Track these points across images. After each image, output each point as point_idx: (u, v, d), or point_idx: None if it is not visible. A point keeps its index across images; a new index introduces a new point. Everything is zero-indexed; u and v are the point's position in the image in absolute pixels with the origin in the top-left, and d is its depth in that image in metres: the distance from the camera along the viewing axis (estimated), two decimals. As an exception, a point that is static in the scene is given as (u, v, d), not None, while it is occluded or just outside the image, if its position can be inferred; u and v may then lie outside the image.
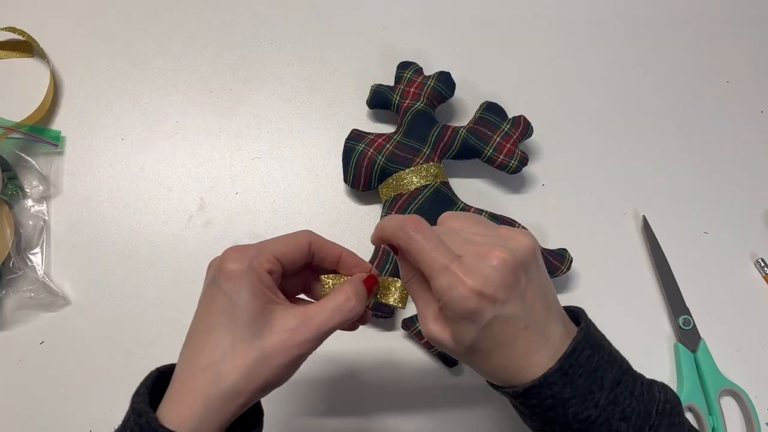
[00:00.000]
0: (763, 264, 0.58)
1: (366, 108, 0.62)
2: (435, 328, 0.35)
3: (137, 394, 0.34)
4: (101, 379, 0.53)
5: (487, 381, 0.37)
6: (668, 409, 0.35)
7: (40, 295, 0.54)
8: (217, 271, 0.34)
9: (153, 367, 0.53)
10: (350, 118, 0.62)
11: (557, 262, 0.53)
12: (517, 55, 0.66)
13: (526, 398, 0.34)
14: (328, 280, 0.38)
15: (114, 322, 0.54)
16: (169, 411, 0.32)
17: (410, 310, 0.54)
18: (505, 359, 0.34)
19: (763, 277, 0.58)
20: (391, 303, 0.39)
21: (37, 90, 0.61)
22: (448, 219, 0.37)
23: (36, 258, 0.56)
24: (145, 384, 0.35)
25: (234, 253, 0.34)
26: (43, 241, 0.56)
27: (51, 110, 0.61)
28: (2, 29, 0.62)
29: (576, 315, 0.37)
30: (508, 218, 0.54)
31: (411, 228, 0.34)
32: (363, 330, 0.54)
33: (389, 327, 0.55)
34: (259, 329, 0.33)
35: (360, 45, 0.65)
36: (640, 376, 0.36)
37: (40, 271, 0.55)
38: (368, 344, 0.54)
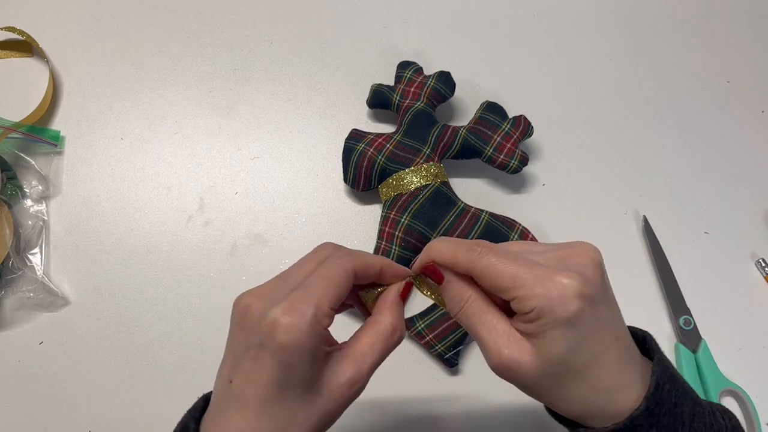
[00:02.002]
0: (763, 264, 0.58)
1: (366, 108, 0.62)
2: (510, 352, 0.31)
3: (187, 418, 0.32)
4: (101, 379, 0.53)
5: (550, 413, 0.34)
6: None
7: (40, 295, 0.54)
8: (269, 328, 0.29)
9: (153, 367, 0.53)
10: (350, 118, 0.62)
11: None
12: (517, 55, 0.66)
13: None
14: (368, 296, 0.36)
15: (114, 322, 0.54)
16: None
17: (410, 310, 0.54)
18: (599, 380, 0.30)
19: (764, 277, 0.58)
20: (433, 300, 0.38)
21: (36, 90, 0.61)
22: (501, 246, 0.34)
23: (35, 258, 0.55)
24: (200, 403, 0.33)
25: (289, 314, 0.29)
26: (42, 241, 0.56)
27: (50, 110, 0.61)
28: (2, 29, 0.62)
29: (641, 339, 0.33)
30: (509, 218, 0.54)
31: (481, 246, 0.32)
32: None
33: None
34: (315, 395, 0.31)
35: (360, 45, 0.65)
36: (703, 403, 0.33)
37: (39, 271, 0.55)
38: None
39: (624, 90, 0.65)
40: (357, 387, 0.32)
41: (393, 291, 0.35)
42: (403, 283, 0.35)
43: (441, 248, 0.33)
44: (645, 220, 0.59)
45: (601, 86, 0.65)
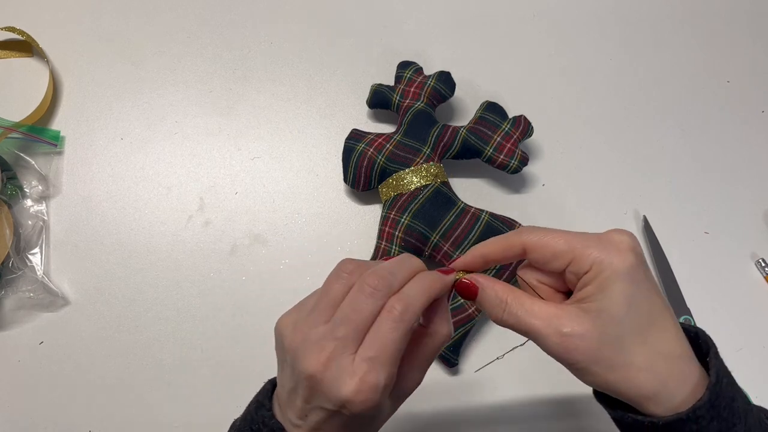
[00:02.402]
0: (763, 264, 0.58)
1: (366, 108, 0.62)
2: (570, 327, 0.31)
3: (261, 395, 0.34)
4: (101, 379, 0.53)
5: (601, 402, 0.34)
6: None
7: (40, 295, 0.54)
8: (337, 405, 0.29)
9: (153, 367, 0.53)
10: (350, 118, 0.62)
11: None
12: (517, 55, 0.66)
13: (666, 430, 0.30)
14: None
15: (114, 322, 0.54)
16: None
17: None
18: (661, 344, 0.30)
19: (764, 277, 0.58)
20: None
21: (36, 90, 0.61)
22: None
23: (35, 258, 0.55)
24: (269, 387, 0.35)
25: (362, 395, 0.29)
26: (42, 241, 0.56)
27: (50, 110, 0.61)
28: (2, 29, 0.62)
29: (691, 334, 0.33)
30: (509, 218, 0.54)
31: (524, 230, 0.33)
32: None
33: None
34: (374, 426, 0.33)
35: (360, 45, 0.65)
36: (748, 401, 0.33)
37: (39, 271, 0.55)
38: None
39: (624, 90, 0.65)
40: (397, 406, 0.34)
41: (444, 301, 0.34)
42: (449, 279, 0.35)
43: (488, 244, 0.34)
44: (645, 220, 0.59)
45: (601, 86, 0.65)
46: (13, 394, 0.52)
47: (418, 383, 0.33)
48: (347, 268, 0.32)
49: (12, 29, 0.62)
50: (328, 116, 0.62)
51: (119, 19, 0.65)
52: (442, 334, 0.33)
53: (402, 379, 0.32)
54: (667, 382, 0.30)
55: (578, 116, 0.64)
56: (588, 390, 0.55)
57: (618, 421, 0.33)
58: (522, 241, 0.33)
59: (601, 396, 0.34)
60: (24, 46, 0.64)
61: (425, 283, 0.32)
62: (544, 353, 0.52)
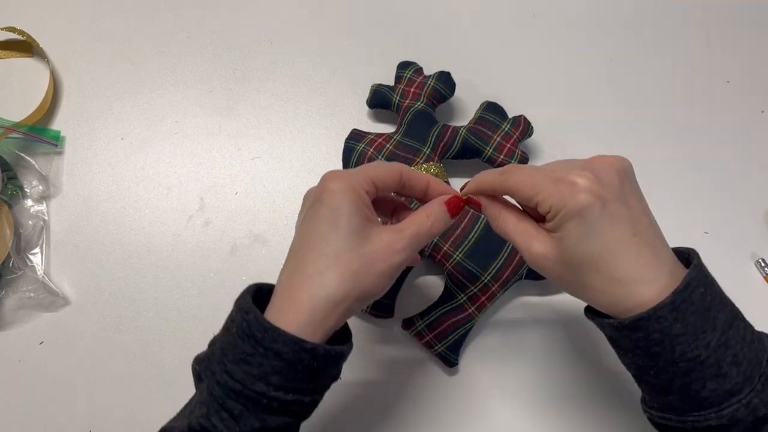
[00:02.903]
0: (763, 264, 0.58)
1: (366, 108, 0.62)
2: (538, 246, 0.36)
3: (241, 298, 0.36)
4: (101, 379, 0.53)
5: (586, 313, 0.38)
6: None
7: (40, 295, 0.54)
8: (319, 191, 0.36)
9: (153, 367, 0.53)
10: (350, 118, 0.62)
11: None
12: (517, 55, 0.66)
13: (632, 330, 0.34)
14: None
15: (114, 322, 0.54)
16: (276, 318, 0.34)
17: (410, 310, 0.54)
18: (615, 270, 0.34)
19: (764, 277, 0.58)
20: None
21: (36, 90, 0.61)
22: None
23: (36, 258, 0.56)
24: (248, 291, 0.37)
25: (335, 174, 0.36)
26: (42, 241, 0.56)
27: (51, 110, 0.61)
28: (2, 29, 0.62)
29: (686, 255, 0.37)
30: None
31: (510, 169, 0.38)
32: (363, 330, 0.54)
33: (388, 329, 0.55)
34: (361, 239, 0.35)
35: (360, 45, 0.65)
36: (750, 324, 0.35)
37: (39, 271, 0.55)
38: (368, 345, 0.54)
39: (624, 90, 0.65)
40: (398, 248, 0.36)
41: (440, 197, 0.40)
42: (451, 195, 0.40)
43: (481, 178, 0.39)
44: (645, 220, 0.59)
45: (600, 86, 0.65)
46: (13, 394, 0.52)
47: (388, 241, 0.36)
48: None
49: (12, 29, 0.62)
50: (328, 116, 0.62)
51: (119, 19, 0.65)
52: (424, 211, 0.39)
53: (386, 230, 0.37)
54: (625, 300, 0.34)
55: (578, 116, 0.64)
56: (588, 391, 0.55)
57: (600, 327, 0.37)
58: (503, 184, 0.38)
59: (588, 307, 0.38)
60: (24, 46, 0.64)
61: (400, 164, 0.40)
62: (543, 356, 0.52)
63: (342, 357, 0.37)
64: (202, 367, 0.36)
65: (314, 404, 0.36)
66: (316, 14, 0.67)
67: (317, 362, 0.34)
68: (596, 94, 0.65)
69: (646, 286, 0.33)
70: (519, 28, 0.68)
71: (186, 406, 0.37)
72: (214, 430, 0.33)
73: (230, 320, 0.36)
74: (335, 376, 0.37)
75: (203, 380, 0.35)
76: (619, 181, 0.35)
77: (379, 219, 0.39)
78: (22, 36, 0.62)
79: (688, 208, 0.60)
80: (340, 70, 0.64)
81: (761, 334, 0.35)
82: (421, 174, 0.40)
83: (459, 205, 0.40)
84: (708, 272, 0.35)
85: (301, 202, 0.39)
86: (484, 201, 0.40)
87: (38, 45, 0.62)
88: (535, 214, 0.38)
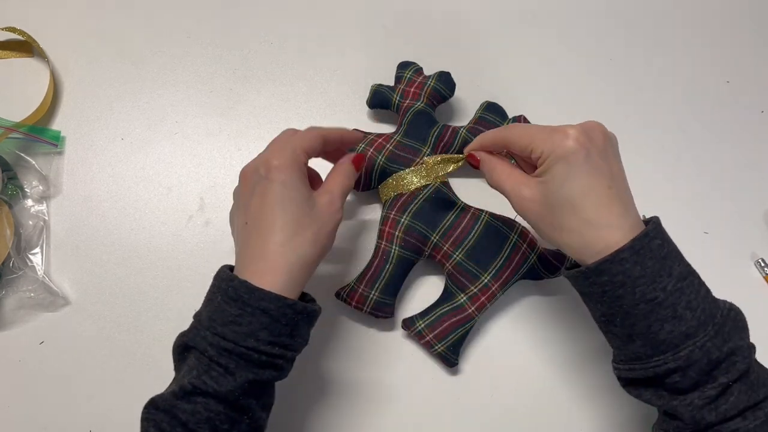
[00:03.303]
0: (763, 264, 0.58)
1: (366, 108, 0.62)
2: (526, 190, 0.41)
3: (220, 272, 0.41)
4: (101, 379, 0.53)
5: (563, 272, 0.42)
6: (733, 315, 0.38)
7: (40, 295, 0.54)
8: (265, 170, 0.40)
9: (153, 367, 0.53)
10: (350, 118, 0.62)
11: (557, 262, 0.53)
12: (517, 55, 0.66)
13: (598, 275, 0.38)
14: (428, 160, 0.51)
15: (114, 322, 0.54)
16: (257, 282, 0.38)
17: (410, 310, 0.54)
18: (589, 212, 0.38)
19: (763, 277, 0.58)
20: (450, 170, 0.50)
21: (36, 90, 0.61)
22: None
23: (36, 258, 0.56)
24: (223, 268, 0.41)
25: (274, 152, 0.41)
26: (42, 241, 0.56)
27: (51, 110, 0.61)
28: (2, 29, 0.62)
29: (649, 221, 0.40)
30: (509, 218, 0.54)
31: (509, 126, 0.44)
32: (363, 330, 0.54)
33: (389, 327, 0.55)
34: (310, 207, 0.41)
35: (360, 45, 0.65)
36: (706, 285, 0.39)
37: (39, 271, 0.55)
38: (368, 345, 0.54)
39: (623, 90, 0.65)
40: (336, 207, 0.43)
41: (350, 155, 0.48)
42: (356, 154, 0.48)
43: (484, 135, 0.46)
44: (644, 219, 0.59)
45: (600, 86, 0.65)
46: (14, 393, 0.52)
47: (327, 203, 0.43)
48: (287, 130, 0.45)
49: (12, 29, 0.62)
50: (328, 116, 0.62)
51: (119, 19, 0.65)
52: (341, 165, 0.47)
53: (322, 193, 0.43)
54: (593, 242, 0.38)
55: (578, 116, 0.63)
56: (587, 389, 0.55)
57: (570, 279, 0.41)
58: (503, 136, 0.44)
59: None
60: (24, 47, 0.64)
61: (318, 127, 0.46)
62: (543, 356, 0.52)
63: (315, 315, 0.42)
64: (189, 337, 0.39)
65: (291, 362, 0.41)
66: (316, 14, 0.67)
67: (297, 317, 0.39)
68: (596, 94, 0.65)
69: (613, 231, 0.38)
70: (519, 28, 0.68)
71: (170, 384, 0.41)
72: (205, 387, 0.37)
73: (212, 292, 0.40)
74: (306, 339, 0.42)
75: (188, 351, 0.40)
76: (603, 141, 0.40)
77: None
78: (22, 36, 0.62)
79: (688, 208, 0.60)
80: (340, 71, 0.64)
81: (720, 300, 0.39)
82: (337, 132, 0.47)
83: (361, 161, 0.48)
84: (665, 232, 0.40)
85: (239, 182, 0.43)
86: (483, 156, 0.46)
87: (38, 45, 0.62)
88: (526, 168, 0.44)
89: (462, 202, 0.55)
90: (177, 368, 0.41)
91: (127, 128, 0.61)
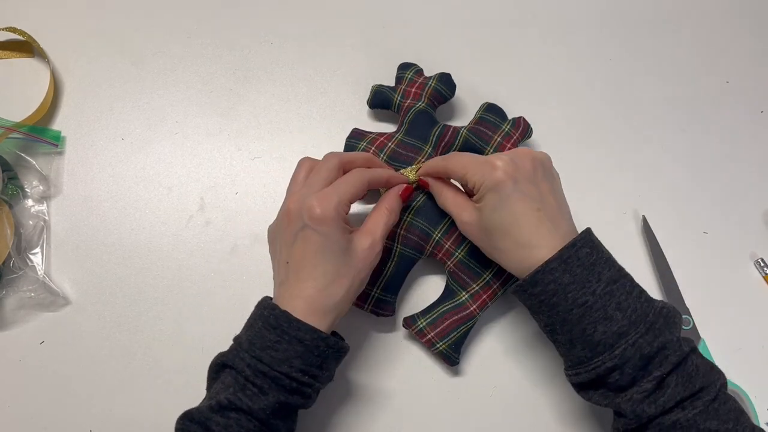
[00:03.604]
0: (763, 264, 0.58)
1: (366, 108, 0.62)
2: (466, 215, 0.47)
3: (262, 302, 0.44)
4: (101, 379, 0.53)
5: (513, 290, 0.45)
6: (665, 312, 0.41)
7: (40, 294, 0.54)
8: (309, 216, 0.42)
9: (153, 367, 0.53)
10: (350, 118, 0.62)
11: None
12: (517, 55, 0.66)
13: (533, 286, 0.41)
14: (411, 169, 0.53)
15: (114, 322, 0.54)
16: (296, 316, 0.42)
17: (410, 310, 0.54)
18: (519, 236, 0.42)
19: (763, 277, 0.58)
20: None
21: (37, 90, 0.61)
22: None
23: (36, 258, 0.56)
24: (265, 299, 0.45)
25: (322, 200, 0.43)
26: (43, 241, 0.56)
27: (51, 110, 0.61)
28: (2, 29, 0.62)
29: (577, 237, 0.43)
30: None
31: (452, 154, 0.49)
32: (363, 330, 0.54)
33: (389, 328, 0.55)
34: (349, 256, 0.44)
35: (360, 45, 0.65)
36: (639, 287, 0.42)
37: (40, 271, 0.55)
38: (368, 344, 0.54)
39: (623, 90, 0.65)
40: (375, 252, 0.46)
41: (395, 189, 0.50)
42: (404, 186, 0.50)
43: (429, 163, 0.51)
44: (644, 220, 0.59)
45: (600, 86, 0.65)
46: (14, 393, 0.52)
47: (368, 246, 0.45)
48: (305, 162, 0.48)
49: (13, 29, 0.62)
50: (328, 116, 0.62)
51: (119, 20, 0.66)
52: (384, 206, 0.48)
53: (362, 235, 0.46)
54: (526, 260, 0.42)
55: (578, 116, 0.64)
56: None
57: (515, 294, 0.44)
58: (444, 165, 0.49)
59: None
60: (25, 47, 0.64)
61: (363, 171, 0.47)
62: (545, 356, 0.53)
63: (344, 352, 0.45)
64: (228, 357, 0.42)
65: (316, 394, 0.44)
66: (317, 15, 0.67)
67: (328, 350, 0.42)
68: (595, 94, 0.65)
69: (543, 250, 0.41)
70: (518, 28, 0.68)
71: (203, 400, 0.43)
72: (240, 403, 0.39)
73: (254, 318, 0.44)
74: (332, 375, 0.45)
75: (223, 371, 0.42)
76: (532, 168, 0.44)
77: (352, 227, 0.47)
78: (23, 36, 0.62)
79: (687, 208, 0.60)
80: (340, 71, 0.64)
81: (656, 300, 0.42)
82: (382, 175, 0.49)
83: (409, 192, 0.50)
84: (597, 240, 0.43)
85: (282, 217, 0.45)
86: (431, 181, 0.51)
87: (39, 45, 0.62)
88: (470, 193, 0.48)
89: (462, 201, 0.55)
90: (209, 386, 0.44)
91: (128, 128, 0.61)
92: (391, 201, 0.49)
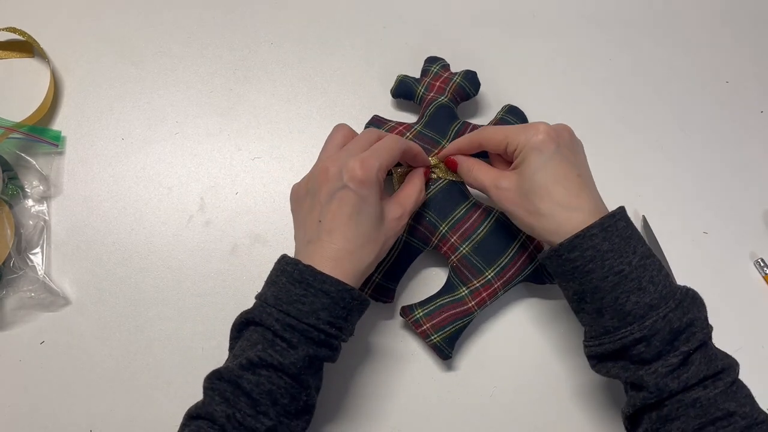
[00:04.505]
0: (762, 264, 0.58)
1: (366, 109, 0.62)
2: (504, 182, 0.46)
3: (281, 259, 0.44)
4: (101, 379, 0.53)
5: (541, 259, 0.46)
6: (691, 293, 0.42)
7: (41, 295, 0.54)
8: (349, 177, 0.43)
9: (153, 367, 0.53)
10: (350, 118, 0.62)
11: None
12: (517, 55, 0.66)
13: (570, 251, 0.42)
14: (397, 170, 0.53)
15: (114, 322, 0.55)
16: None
17: (411, 299, 0.55)
18: (561, 197, 0.43)
19: (763, 277, 0.58)
20: (454, 178, 0.53)
21: (37, 90, 0.61)
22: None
23: (36, 258, 0.56)
24: (283, 256, 0.45)
25: (364, 163, 0.43)
26: (43, 241, 0.56)
27: (51, 110, 0.61)
28: (2, 29, 0.62)
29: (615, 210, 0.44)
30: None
31: (481, 129, 0.49)
32: (361, 325, 0.54)
33: (388, 315, 0.55)
34: (381, 221, 0.45)
35: (360, 45, 0.65)
36: (668, 273, 0.42)
37: (40, 271, 0.55)
38: (368, 342, 0.54)
39: (623, 90, 0.65)
40: (403, 223, 0.47)
41: (422, 169, 0.52)
42: (426, 168, 0.52)
43: (458, 141, 0.51)
44: (644, 219, 0.59)
45: (600, 86, 0.65)
46: (14, 393, 0.52)
47: (398, 217, 0.47)
48: (342, 127, 0.49)
49: (13, 30, 0.62)
50: (329, 116, 0.62)
51: (120, 19, 0.66)
52: (417, 183, 0.50)
53: (393, 205, 0.47)
54: (565, 223, 0.42)
55: (578, 116, 0.64)
56: (585, 391, 0.55)
57: (546, 261, 0.45)
58: (478, 138, 0.49)
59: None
60: (25, 47, 0.64)
61: (399, 139, 0.48)
62: (541, 359, 0.52)
63: (367, 304, 0.45)
64: (254, 314, 0.42)
65: (340, 347, 0.44)
66: (317, 15, 0.67)
67: (353, 302, 0.43)
68: (596, 94, 0.65)
69: (583, 214, 0.42)
70: (518, 28, 0.68)
71: (229, 358, 0.43)
72: (270, 359, 0.40)
73: (276, 275, 0.44)
74: (353, 330, 0.45)
75: (247, 329, 0.42)
76: (570, 139, 0.45)
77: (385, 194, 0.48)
78: (23, 36, 0.62)
79: (687, 208, 0.60)
80: (340, 71, 0.64)
81: (677, 283, 0.43)
82: (414, 146, 0.50)
83: (427, 176, 0.53)
84: (629, 218, 0.44)
85: (318, 175, 0.45)
86: (461, 158, 0.51)
87: (39, 45, 0.62)
88: (500, 167, 0.49)
89: (473, 197, 0.54)
90: (232, 345, 0.44)
91: (128, 128, 0.61)
92: (422, 179, 0.51)
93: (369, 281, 0.52)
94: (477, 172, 0.49)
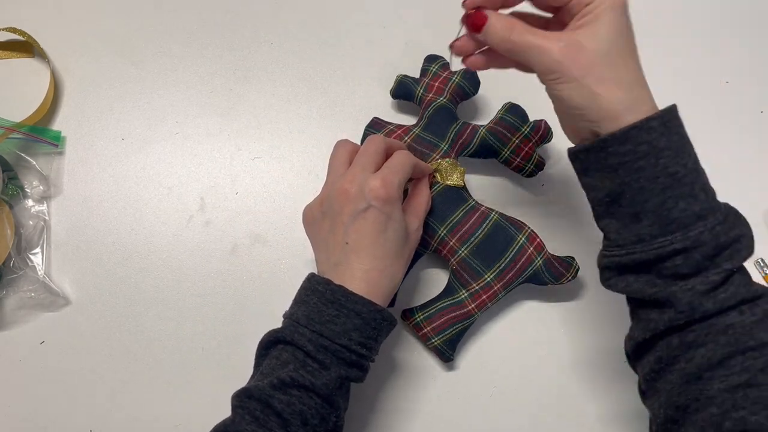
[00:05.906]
0: (763, 264, 0.58)
1: (365, 109, 0.62)
2: (567, 40, 0.37)
3: (311, 278, 0.44)
4: (102, 379, 0.53)
5: (571, 151, 0.40)
6: (734, 210, 0.38)
7: (41, 295, 0.54)
8: (373, 196, 0.42)
9: (153, 367, 0.53)
10: (350, 118, 0.62)
11: (563, 269, 0.53)
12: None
13: (622, 143, 0.36)
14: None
15: (114, 322, 0.55)
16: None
17: (411, 302, 0.55)
18: (630, 67, 0.37)
19: (763, 277, 0.58)
20: (452, 183, 0.53)
21: (37, 90, 0.61)
22: None
23: (36, 258, 0.56)
24: (312, 274, 0.45)
25: (383, 183, 0.43)
26: (43, 241, 0.56)
27: (51, 110, 0.61)
28: (2, 29, 0.62)
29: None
30: (518, 221, 0.54)
31: None
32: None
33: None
34: (406, 237, 0.45)
35: (360, 45, 0.65)
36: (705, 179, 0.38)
37: (40, 271, 0.55)
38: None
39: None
40: (420, 233, 0.48)
41: (426, 178, 0.52)
42: (430, 174, 0.52)
43: None
44: (645, 219, 0.58)
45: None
46: (14, 393, 0.52)
47: (417, 228, 0.47)
48: (345, 144, 0.48)
49: (13, 30, 0.62)
50: (328, 116, 0.62)
51: (119, 19, 0.66)
52: (425, 191, 0.50)
53: (411, 217, 0.47)
54: (636, 101, 0.36)
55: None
56: (587, 395, 0.55)
57: (580, 154, 0.39)
58: None
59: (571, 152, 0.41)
60: (25, 47, 0.64)
61: (410, 155, 0.48)
62: (541, 353, 0.52)
63: (394, 324, 0.45)
64: (285, 333, 0.41)
65: (370, 366, 0.43)
66: (317, 15, 0.67)
67: (383, 323, 0.42)
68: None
69: (646, 93, 0.37)
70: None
71: (256, 376, 0.42)
72: (302, 380, 0.39)
73: (305, 294, 0.43)
74: (378, 349, 0.44)
75: (275, 348, 0.42)
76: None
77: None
78: (23, 36, 0.62)
79: (687, 208, 0.60)
80: (340, 71, 0.64)
81: (725, 205, 0.38)
82: (420, 162, 0.50)
83: (432, 177, 0.53)
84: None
85: (337, 197, 0.44)
86: (493, 15, 0.39)
87: (39, 45, 0.62)
88: (537, 24, 0.40)
89: (473, 200, 0.54)
90: (257, 363, 0.43)
91: (128, 128, 0.61)
92: (428, 186, 0.51)
93: None
94: (520, 32, 0.38)
